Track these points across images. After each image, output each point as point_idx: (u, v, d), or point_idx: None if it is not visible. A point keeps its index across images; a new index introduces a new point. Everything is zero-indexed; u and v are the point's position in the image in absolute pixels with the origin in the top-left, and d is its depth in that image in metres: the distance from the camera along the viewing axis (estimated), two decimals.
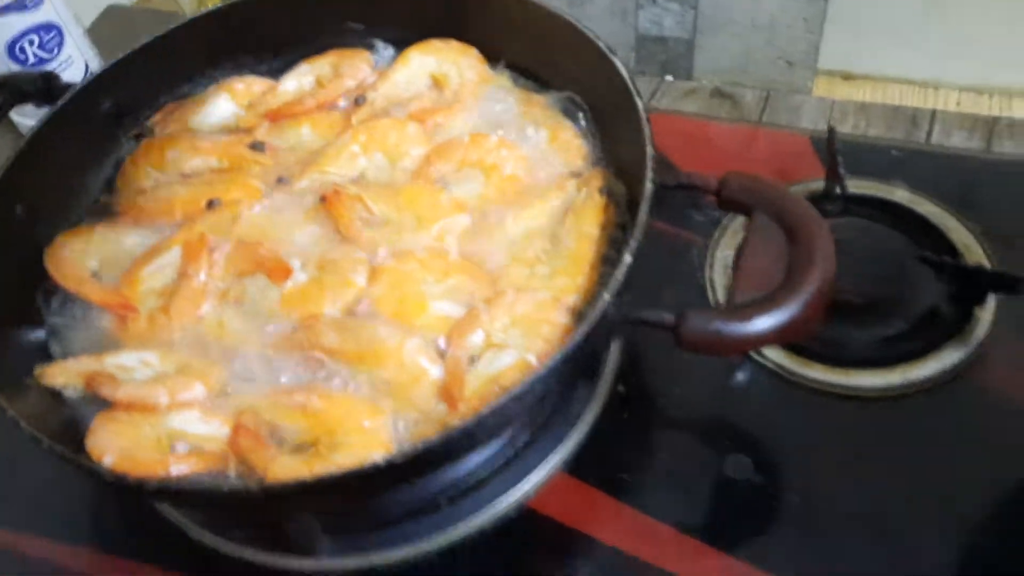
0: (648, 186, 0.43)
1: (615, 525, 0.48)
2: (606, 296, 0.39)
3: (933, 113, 0.72)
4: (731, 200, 0.43)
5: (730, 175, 0.43)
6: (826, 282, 0.40)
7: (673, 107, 0.76)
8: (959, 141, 0.68)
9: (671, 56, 0.82)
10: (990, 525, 0.45)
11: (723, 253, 0.56)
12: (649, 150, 0.44)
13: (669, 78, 0.83)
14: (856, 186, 0.57)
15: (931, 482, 0.47)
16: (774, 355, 0.51)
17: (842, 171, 0.55)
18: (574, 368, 0.40)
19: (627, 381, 0.52)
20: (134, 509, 0.51)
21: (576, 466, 0.49)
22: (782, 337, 0.40)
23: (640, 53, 0.82)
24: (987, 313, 0.51)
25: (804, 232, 0.41)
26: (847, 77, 0.81)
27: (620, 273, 0.40)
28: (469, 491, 0.48)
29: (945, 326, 0.50)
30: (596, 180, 0.49)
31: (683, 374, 0.52)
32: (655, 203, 0.45)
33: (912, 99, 0.78)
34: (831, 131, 0.56)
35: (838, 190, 0.55)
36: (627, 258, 0.41)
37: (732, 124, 0.67)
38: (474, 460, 0.48)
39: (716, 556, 0.46)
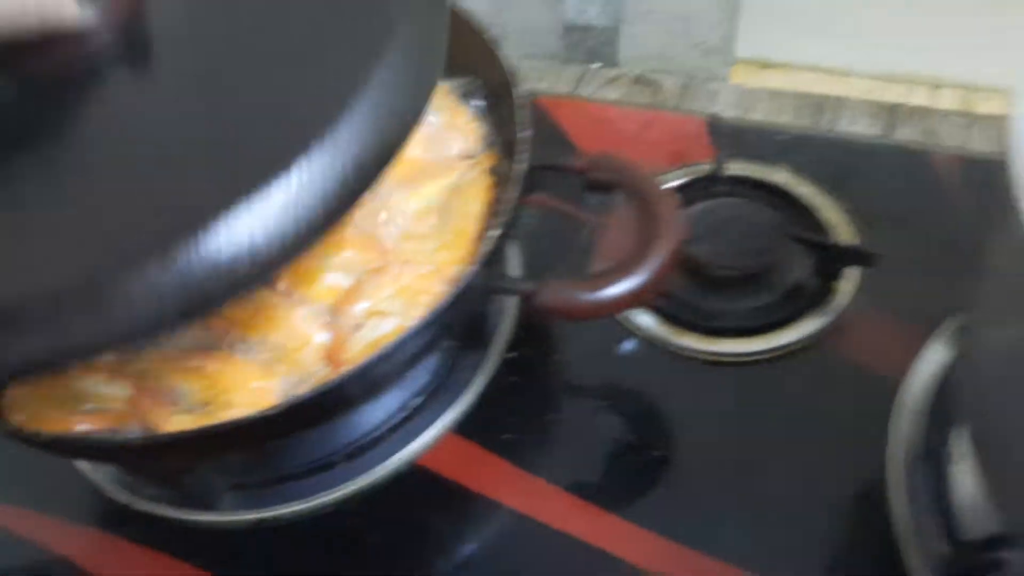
0: (516, 167, 0.46)
1: (502, 483, 0.52)
2: (471, 267, 0.43)
3: (839, 100, 0.76)
4: (596, 180, 0.47)
5: (595, 158, 0.47)
6: (671, 252, 0.44)
7: (597, 93, 0.80)
8: (863, 128, 0.72)
9: (597, 44, 0.85)
10: (843, 481, 0.49)
11: None
12: (522, 133, 0.48)
13: (595, 65, 0.87)
14: (741, 168, 0.61)
15: (792, 441, 0.51)
16: (653, 325, 0.55)
17: (722, 154, 0.59)
18: (445, 331, 0.44)
19: (518, 348, 0.56)
20: (57, 470, 0.54)
21: (466, 427, 0.53)
22: (632, 303, 0.44)
23: (567, 41, 0.86)
24: (849, 285, 0.55)
25: (654, 208, 0.45)
26: (764, 65, 0.84)
27: (486, 246, 0.44)
28: (363, 450, 0.52)
29: (809, 298, 0.54)
30: (485, 161, 0.53)
31: (571, 343, 0.56)
32: (549, 183, 0.49)
33: (823, 87, 0.82)
34: (714, 118, 0.60)
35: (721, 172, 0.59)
36: (493, 232, 0.44)
37: (637, 110, 0.71)
38: (368, 421, 0.52)
39: (600, 514, 0.49)
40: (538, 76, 0.83)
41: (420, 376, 0.54)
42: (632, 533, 0.49)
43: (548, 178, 0.51)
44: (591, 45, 0.86)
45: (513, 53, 0.86)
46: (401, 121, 0.39)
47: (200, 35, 0.43)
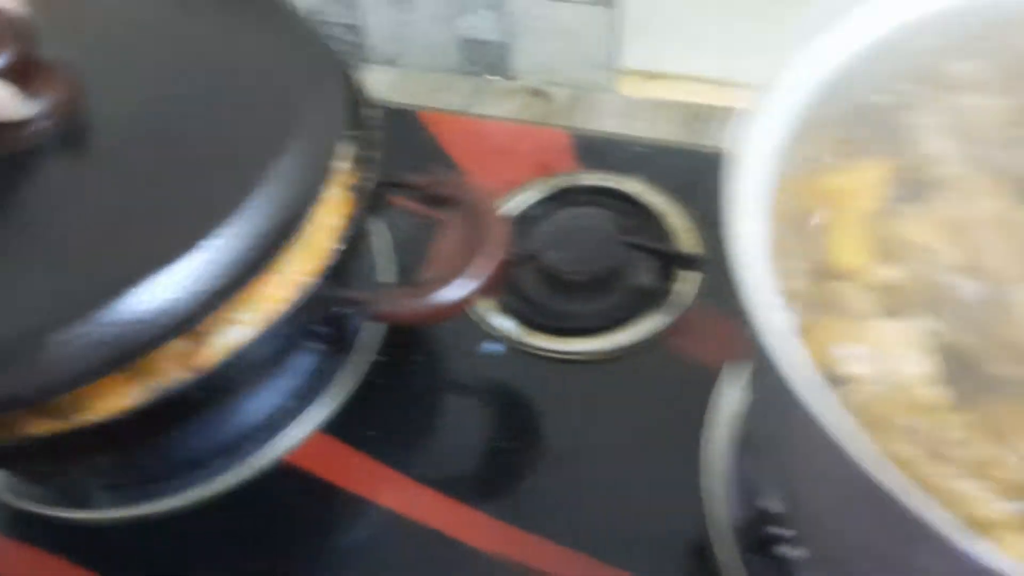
0: (361, 185, 0.50)
1: (368, 480, 0.55)
2: (314, 279, 0.47)
3: (712, 109, 0.80)
4: (435, 196, 0.51)
5: (435, 175, 0.51)
6: (498, 264, 0.48)
7: (493, 104, 0.84)
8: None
9: (492, 58, 0.89)
10: (680, 469, 0.54)
11: None
12: (369, 154, 0.52)
13: (493, 78, 0.91)
14: (599, 179, 0.65)
15: (636, 433, 0.55)
16: (512, 327, 0.59)
17: (583, 166, 0.63)
18: (294, 338, 0.48)
19: (387, 351, 0.60)
20: None
21: (336, 427, 0.57)
22: (460, 308, 0.48)
23: (465, 55, 0.90)
24: (688, 287, 0.59)
25: (484, 224, 0.49)
26: (650, 77, 0.89)
27: (329, 259, 0.48)
28: (236, 449, 0.56)
29: (652, 299, 0.59)
30: (346, 178, 0.57)
31: (437, 346, 0.60)
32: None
33: (703, 96, 0.86)
34: (578, 131, 0.64)
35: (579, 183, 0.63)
36: (337, 246, 0.48)
37: (508, 123, 0.75)
38: (241, 421, 0.56)
39: (461, 508, 0.53)
40: (437, 89, 0.87)
41: (292, 378, 0.58)
42: (489, 525, 0.52)
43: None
44: (487, 59, 0.90)
45: (413, 67, 0.90)
46: (300, 201, 0.46)
47: (133, 124, 0.49)
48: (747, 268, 0.34)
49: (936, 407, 0.35)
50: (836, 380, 0.37)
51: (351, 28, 0.90)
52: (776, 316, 0.33)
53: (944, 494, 0.33)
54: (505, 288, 0.60)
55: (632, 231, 0.61)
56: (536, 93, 0.86)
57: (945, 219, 0.38)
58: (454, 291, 0.47)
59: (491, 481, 0.55)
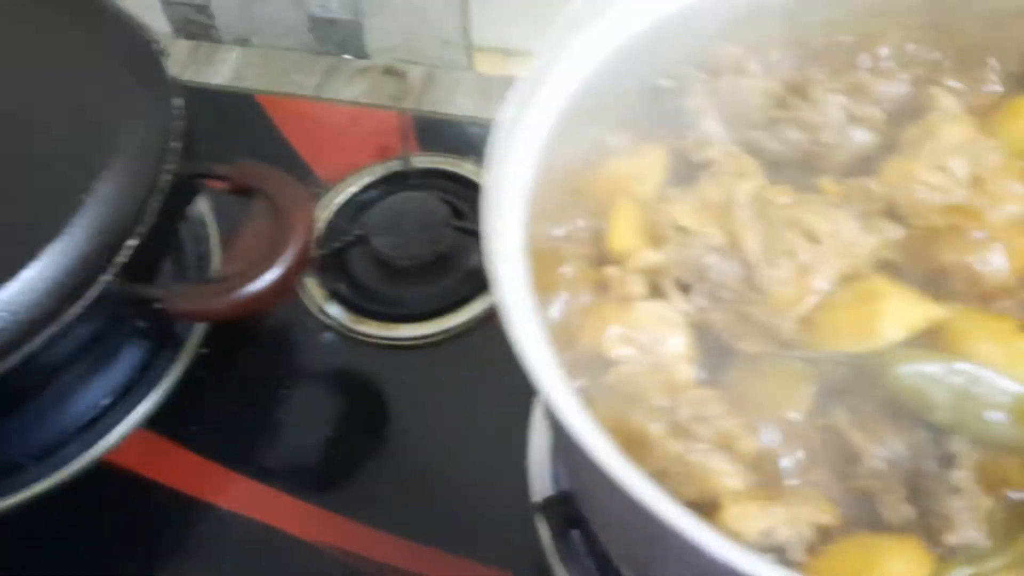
0: (162, 178, 0.49)
1: (192, 475, 0.54)
2: (104, 276, 0.46)
3: None
4: (239, 186, 0.50)
5: (237, 165, 0.50)
6: (301, 253, 0.47)
7: (345, 85, 0.83)
8: None
9: (345, 36, 0.87)
10: (505, 450, 0.55)
11: None
12: (172, 143, 0.50)
13: (347, 57, 0.90)
14: (436, 161, 0.65)
15: (466, 416, 0.56)
16: (340, 314, 0.59)
17: (420, 148, 0.63)
18: (100, 334, 0.47)
19: (211, 344, 0.58)
20: None
21: (157, 424, 0.56)
22: (264, 301, 0.47)
23: (316, 34, 0.88)
24: None
25: (289, 211, 0.48)
26: (508, 54, 0.88)
27: (122, 255, 0.47)
28: (53, 451, 0.54)
29: (482, 282, 0.59)
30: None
31: (266, 336, 0.60)
32: None
33: None
34: (416, 113, 0.64)
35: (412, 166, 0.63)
36: (129, 242, 0.47)
37: (350, 107, 0.74)
38: (58, 422, 0.54)
39: (287, 500, 0.53)
40: (289, 69, 0.85)
41: (114, 375, 0.56)
42: (321, 517, 0.52)
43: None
44: (340, 37, 0.88)
45: (267, 46, 0.88)
46: (123, 223, 0.46)
47: None
48: (503, 264, 0.35)
49: (689, 384, 0.36)
50: (606, 362, 0.38)
51: (200, 8, 0.87)
52: (527, 317, 0.34)
53: (693, 468, 0.34)
54: (335, 275, 0.60)
55: (465, 215, 0.61)
56: (390, 72, 0.85)
57: (709, 201, 0.39)
58: (253, 285, 0.46)
59: (323, 473, 0.55)
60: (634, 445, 0.34)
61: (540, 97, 0.41)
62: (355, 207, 0.63)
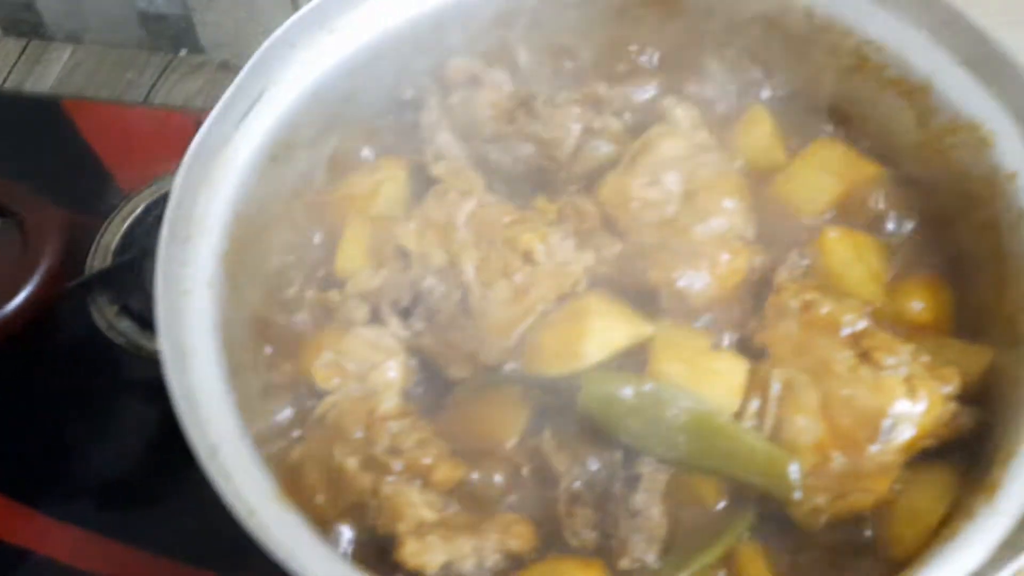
0: None
1: None
2: None
3: None
4: None
5: None
6: (48, 278, 0.46)
7: (179, 83, 0.80)
8: None
9: (178, 32, 0.84)
10: None
11: (107, 238, 0.61)
12: None
13: (183, 52, 0.87)
14: None
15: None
16: (130, 330, 0.57)
17: None
18: None
19: None
20: None
21: None
22: (9, 329, 0.45)
23: (149, 30, 0.85)
24: None
25: (38, 234, 0.46)
26: None
27: None
28: None
29: None
30: None
31: (52, 355, 0.57)
32: None
33: None
34: None
35: None
36: None
37: (160, 110, 0.73)
38: None
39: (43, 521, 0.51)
40: (120, 66, 0.82)
41: None
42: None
43: None
44: (172, 33, 0.85)
45: (100, 43, 0.85)
46: None
47: None
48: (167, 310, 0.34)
49: (392, 414, 0.36)
50: (316, 393, 0.37)
51: (26, 6, 0.83)
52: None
53: (384, 501, 0.34)
54: (128, 289, 0.58)
55: None
56: (225, 67, 0.83)
57: (432, 221, 0.38)
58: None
59: (124, 501, 0.53)
60: (333, 480, 0.34)
61: (266, 106, 0.40)
62: (156, 217, 0.61)
